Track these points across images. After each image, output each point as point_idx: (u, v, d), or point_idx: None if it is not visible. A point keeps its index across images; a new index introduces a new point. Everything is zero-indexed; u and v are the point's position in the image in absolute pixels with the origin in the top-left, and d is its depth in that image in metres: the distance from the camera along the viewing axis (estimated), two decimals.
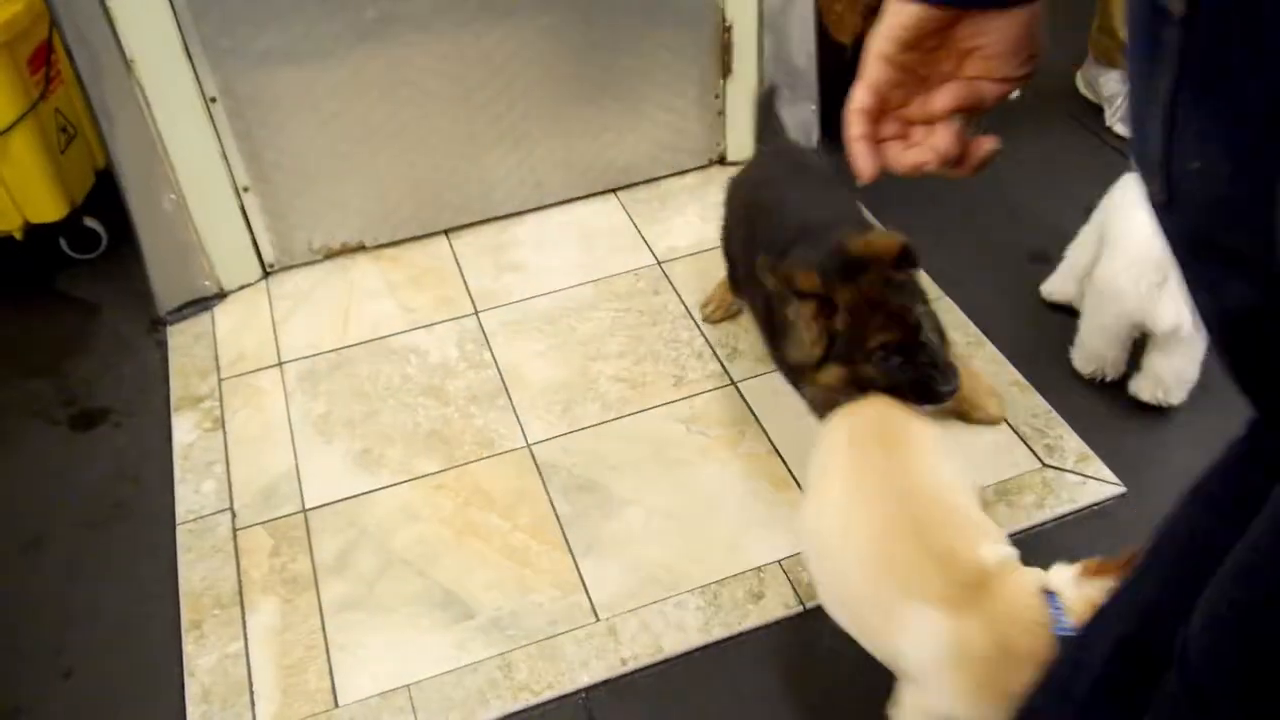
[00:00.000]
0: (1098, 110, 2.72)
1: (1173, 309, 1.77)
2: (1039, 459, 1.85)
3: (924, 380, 1.53)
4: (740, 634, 1.64)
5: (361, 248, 2.40)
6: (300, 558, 1.79)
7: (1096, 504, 1.78)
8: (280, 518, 1.86)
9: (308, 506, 1.87)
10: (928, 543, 1.29)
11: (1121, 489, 1.80)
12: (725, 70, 2.45)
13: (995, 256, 2.31)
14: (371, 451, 1.96)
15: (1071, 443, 1.87)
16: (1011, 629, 1.19)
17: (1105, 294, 1.85)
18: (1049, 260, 2.30)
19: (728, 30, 2.39)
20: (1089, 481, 1.81)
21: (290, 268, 2.37)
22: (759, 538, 1.76)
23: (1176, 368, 1.86)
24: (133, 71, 2.01)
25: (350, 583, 1.75)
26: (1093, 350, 1.95)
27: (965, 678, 1.21)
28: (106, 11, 1.94)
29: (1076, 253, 2.07)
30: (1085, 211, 2.42)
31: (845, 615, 1.39)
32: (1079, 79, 2.83)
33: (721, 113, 2.51)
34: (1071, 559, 1.65)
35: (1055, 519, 1.76)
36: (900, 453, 1.40)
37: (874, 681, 1.51)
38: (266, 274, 2.35)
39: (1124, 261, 1.81)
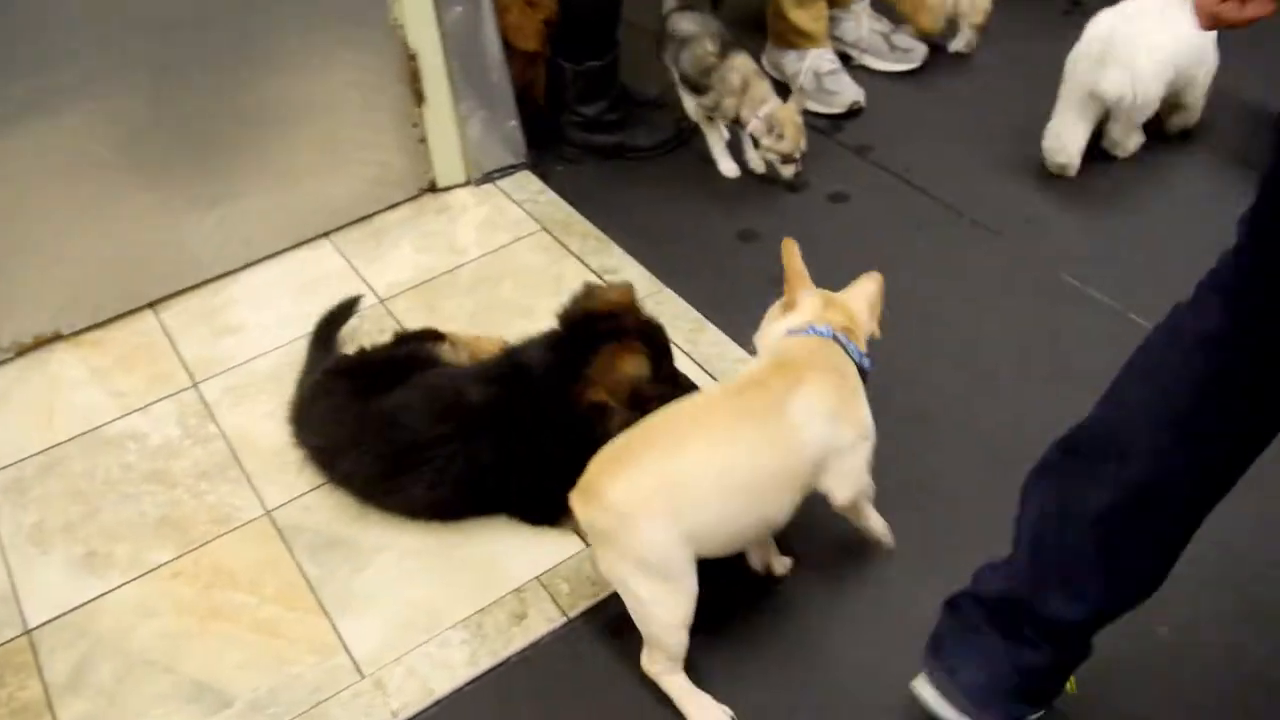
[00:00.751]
0: (785, 90, 2.86)
1: (1113, 78, 2.32)
2: None
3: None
4: (508, 659, 1.62)
5: (58, 337, 2.23)
6: (29, 683, 1.65)
7: None
8: (0, 645, 1.70)
9: (30, 626, 1.72)
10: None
11: None
12: (419, 99, 2.42)
13: (705, 241, 2.39)
14: (97, 553, 1.83)
15: None
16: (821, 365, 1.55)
17: (1068, 77, 2.42)
18: (758, 238, 2.40)
19: (413, 59, 2.36)
20: None
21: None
22: (514, 558, 1.75)
23: (1124, 130, 2.47)
24: None
25: (89, 699, 1.62)
26: (1056, 138, 2.46)
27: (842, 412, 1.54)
28: None
29: None
30: (786, 187, 2.55)
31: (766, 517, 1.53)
32: (764, 62, 2.96)
33: (423, 140, 2.48)
34: (817, 522, 1.73)
35: None
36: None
37: (643, 684, 1.54)
38: None
39: (1080, 49, 2.38)
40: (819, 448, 1.51)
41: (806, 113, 2.77)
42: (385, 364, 1.91)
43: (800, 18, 2.76)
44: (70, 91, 2.02)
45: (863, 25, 2.92)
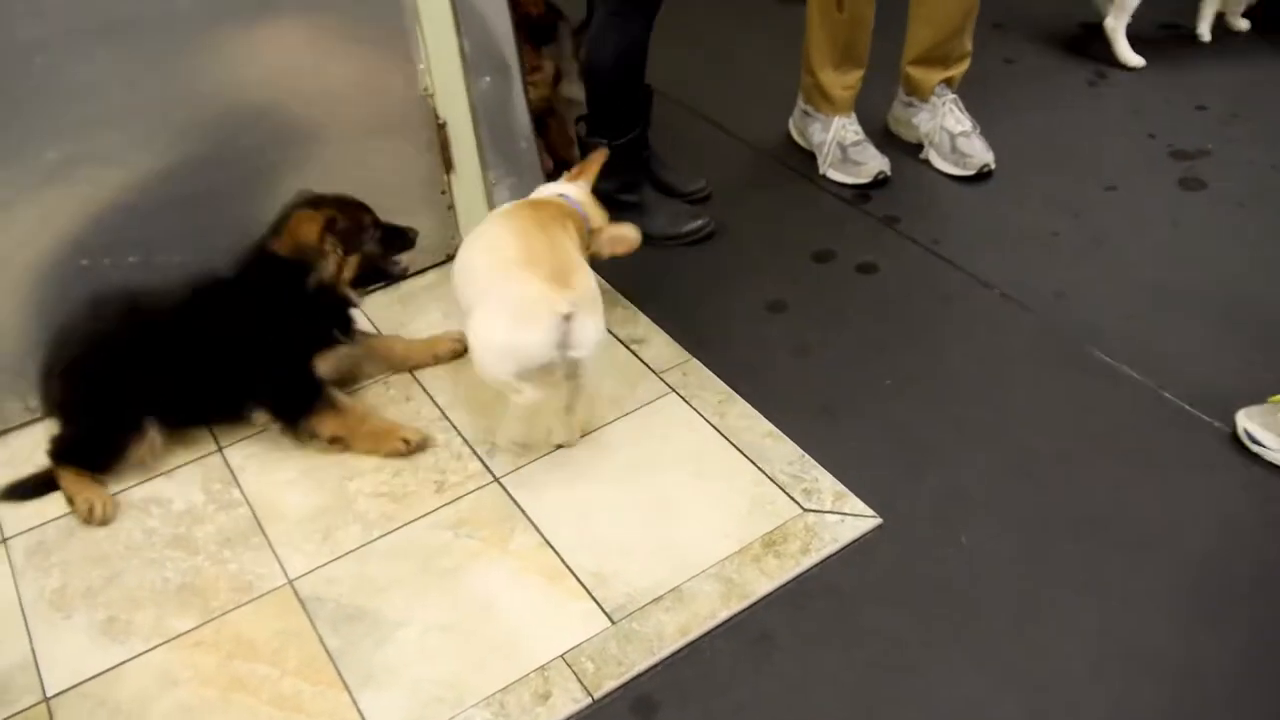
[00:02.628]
0: (811, 157, 2.87)
1: None
2: (799, 505, 1.90)
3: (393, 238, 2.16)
4: None
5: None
6: None
7: (858, 539, 1.84)
8: (17, 714, 1.68)
9: (49, 694, 1.70)
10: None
11: (878, 520, 1.87)
12: (448, 166, 2.45)
13: (733, 310, 2.38)
14: (118, 619, 1.81)
15: (826, 483, 1.94)
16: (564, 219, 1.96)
17: None
18: (787, 309, 2.39)
19: (443, 127, 2.39)
20: (848, 519, 1.87)
21: (4, 432, 2.18)
22: (538, 635, 1.72)
23: None
24: None
25: None
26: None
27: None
28: None
29: None
30: (813, 257, 2.55)
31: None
32: (791, 127, 2.99)
33: (451, 207, 2.50)
34: (841, 598, 1.72)
35: (821, 561, 1.80)
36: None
37: None
38: None
39: None
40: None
41: (832, 182, 2.79)
42: None
43: (829, 80, 2.76)
44: (104, 158, 2.04)
45: (937, 119, 2.83)
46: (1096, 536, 1.84)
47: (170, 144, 2.10)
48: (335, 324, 2.11)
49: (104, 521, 1.97)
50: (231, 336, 2.02)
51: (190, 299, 2.04)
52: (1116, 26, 3.23)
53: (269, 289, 2.03)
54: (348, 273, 2.08)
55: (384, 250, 2.15)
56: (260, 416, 2.09)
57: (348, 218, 2.07)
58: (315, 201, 2.06)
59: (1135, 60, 3.22)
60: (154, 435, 2.05)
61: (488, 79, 2.37)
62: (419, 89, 2.34)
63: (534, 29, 2.64)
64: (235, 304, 2.04)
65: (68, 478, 2.01)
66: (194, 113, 2.10)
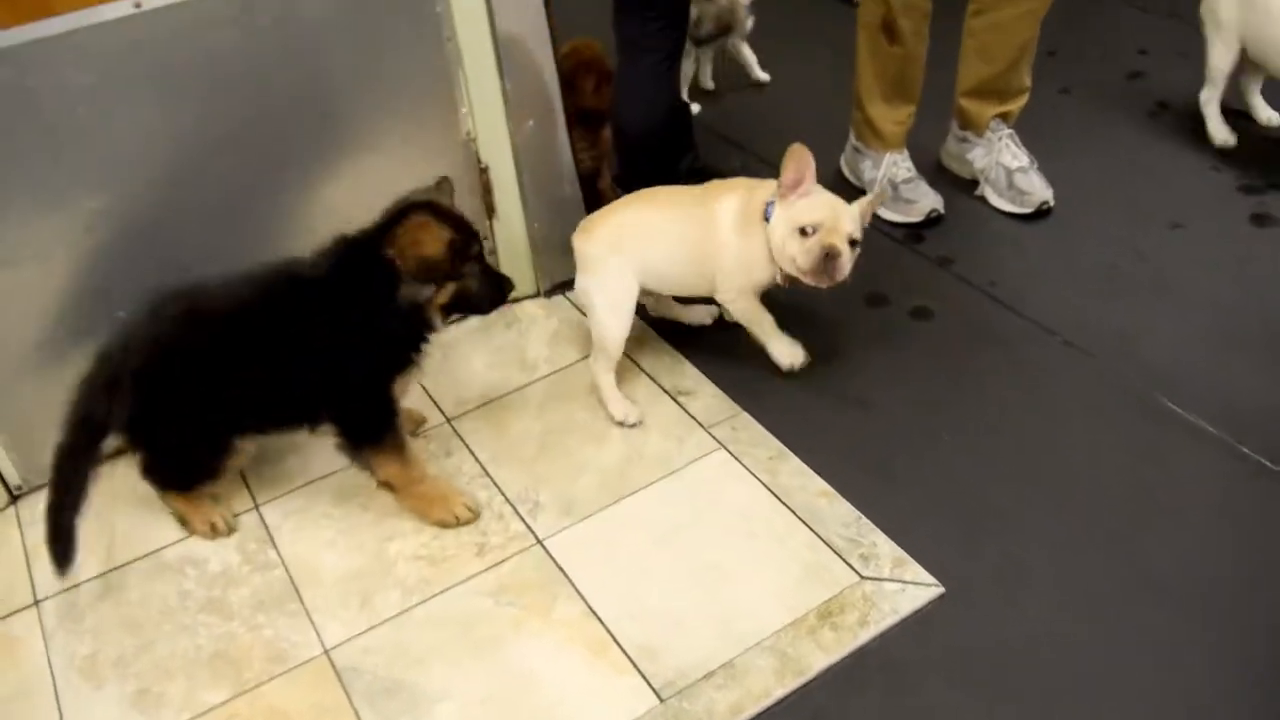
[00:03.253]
0: (862, 194, 2.77)
1: None
2: (856, 571, 1.81)
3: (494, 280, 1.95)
4: None
5: (121, 452, 2.18)
6: None
7: (919, 609, 1.74)
8: None
9: None
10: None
11: (940, 589, 1.77)
12: (490, 211, 2.39)
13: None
14: (149, 691, 1.75)
15: (885, 548, 1.84)
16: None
17: None
18: (839, 357, 2.30)
19: (485, 171, 2.33)
20: (908, 587, 1.77)
21: (41, 487, 2.13)
22: (583, 712, 1.64)
23: None
24: None
25: None
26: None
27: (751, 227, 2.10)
28: None
29: None
30: (865, 301, 2.46)
31: (691, 271, 2.16)
32: (842, 163, 2.90)
33: (493, 253, 2.44)
34: (901, 674, 1.63)
35: (881, 634, 1.71)
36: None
37: None
38: (14, 498, 2.12)
39: None
40: (719, 243, 2.10)
41: (881, 220, 2.70)
42: None
43: (879, 115, 2.67)
44: (144, 206, 2.01)
45: (992, 154, 2.73)
46: (1169, 605, 1.73)
47: (208, 193, 2.06)
48: (417, 347, 1.92)
49: (231, 531, 2.02)
50: (321, 344, 1.83)
51: (269, 298, 1.87)
52: (1210, 100, 2.88)
53: (369, 295, 1.83)
54: (442, 298, 1.87)
55: (479, 287, 1.91)
56: (329, 429, 1.93)
57: (463, 239, 1.86)
58: (434, 209, 1.85)
59: (1224, 138, 2.87)
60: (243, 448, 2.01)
61: (531, 122, 2.31)
62: (462, 133, 2.28)
63: (591, 116, 2.59)
64: (328, 308, 1.83)
65: (174, 500, 2.03)
66: (235, 162, 2.06)
